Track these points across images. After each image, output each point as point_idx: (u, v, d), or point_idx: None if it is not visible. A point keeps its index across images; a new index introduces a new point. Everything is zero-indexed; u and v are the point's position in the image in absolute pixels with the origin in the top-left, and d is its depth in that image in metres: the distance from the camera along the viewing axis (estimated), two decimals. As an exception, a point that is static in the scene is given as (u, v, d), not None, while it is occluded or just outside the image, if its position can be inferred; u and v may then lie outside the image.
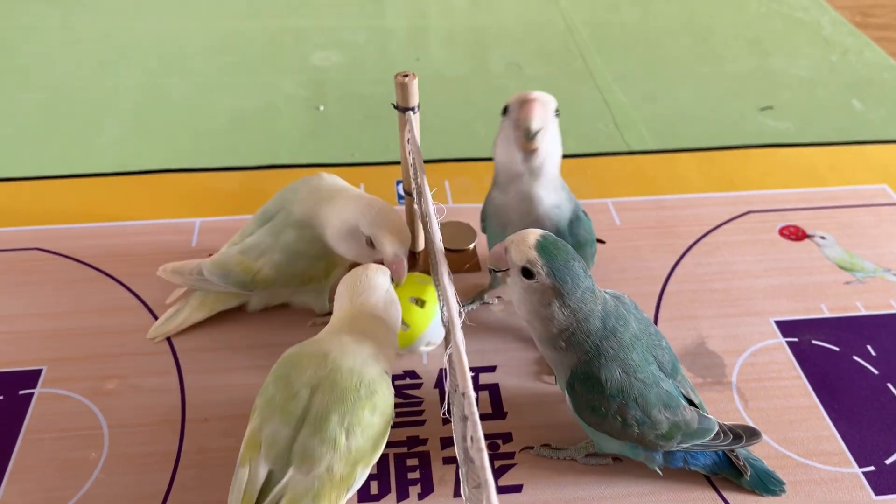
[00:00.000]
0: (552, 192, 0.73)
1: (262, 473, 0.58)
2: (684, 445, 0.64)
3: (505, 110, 0.71)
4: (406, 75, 0.75)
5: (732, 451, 0.67)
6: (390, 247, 0.72)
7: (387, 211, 0.75)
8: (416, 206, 0.85)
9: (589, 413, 0.63)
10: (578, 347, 0.62)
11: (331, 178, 0.82)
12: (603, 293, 0.63)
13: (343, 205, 0.76)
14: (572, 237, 0.75)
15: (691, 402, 0.65)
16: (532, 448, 0.71)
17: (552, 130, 0.71)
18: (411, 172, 0.81)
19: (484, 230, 0.81)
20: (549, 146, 0.70)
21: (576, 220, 0.75)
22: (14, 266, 0.89)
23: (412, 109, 0.77)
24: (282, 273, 0.79)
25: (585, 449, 0.69)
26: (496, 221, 0.77)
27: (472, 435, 0.49)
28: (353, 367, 0.60)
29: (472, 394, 0.51)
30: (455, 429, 0.63)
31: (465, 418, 0.54)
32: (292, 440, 0.58)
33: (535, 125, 0.67)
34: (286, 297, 0.83)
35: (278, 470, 0.58)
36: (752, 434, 0.66)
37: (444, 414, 0.61)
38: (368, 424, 0.59)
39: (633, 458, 0.67)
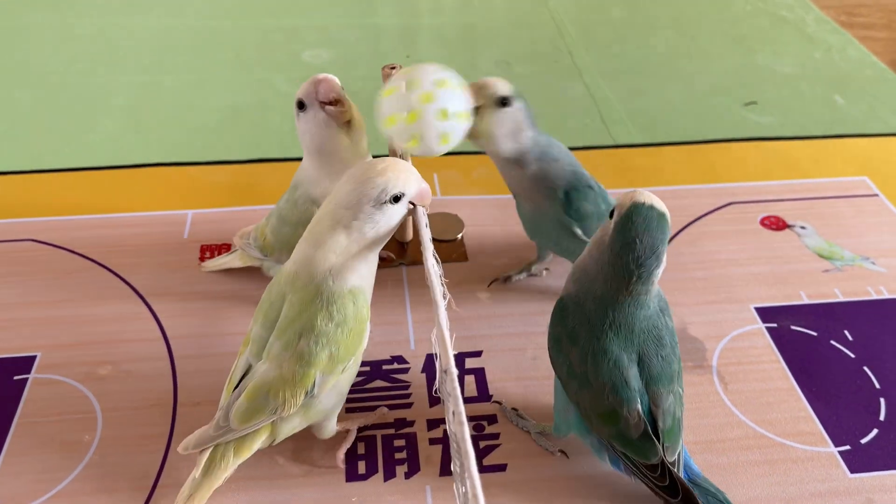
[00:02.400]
0: (525, 169, 0.78)
1: (243, 365, 0.65)
2: (617, 447, 0.63)
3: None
4: (393, 67, 0.77)
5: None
6: (311, 86, 0.74)
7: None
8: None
9: (550, 342, 0.66)
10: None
11: None
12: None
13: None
14: (569, 205, 0.78)
15: (654, 425, 0.62)
16: (501, 403, 0.75)
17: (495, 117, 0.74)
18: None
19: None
20: (490, 130, 0.75)
21: (573, 190, 0.78)
22: (8, 257, 0.91)
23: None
24: (276, 238, 0.81)
25: (542, 428, 0.71)
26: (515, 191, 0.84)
27: (454, 409, 0.51)
28: (315, 279, 0.62)
29: (455, 370, 0.53)
30: (446, 409, 0.65)
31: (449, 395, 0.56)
32: (265, 340, 0.64)
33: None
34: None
35: (255, 364, 0.64)
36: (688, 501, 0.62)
37: (435, 392, 0.63)
38: (322, 332, 0.61)
39: (582, 440, 0.67)
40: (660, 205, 0.59)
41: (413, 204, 0.65)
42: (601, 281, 0.61)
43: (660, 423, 0.62)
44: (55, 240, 0.93)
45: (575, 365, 0.63)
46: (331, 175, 0.75)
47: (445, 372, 0.53)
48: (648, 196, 0.59)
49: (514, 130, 0.75)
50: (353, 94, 1.25)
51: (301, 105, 0.75)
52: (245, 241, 0.85)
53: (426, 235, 0.63)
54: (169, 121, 1.17)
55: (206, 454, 0.64)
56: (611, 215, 0.61)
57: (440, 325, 0.55)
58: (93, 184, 1.03)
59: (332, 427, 0.69)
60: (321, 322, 0.61)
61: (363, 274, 0.64)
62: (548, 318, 0.67)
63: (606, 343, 0.61)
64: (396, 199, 0.62)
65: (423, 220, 0.63)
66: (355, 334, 0.63)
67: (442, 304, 0.57)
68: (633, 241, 0.58)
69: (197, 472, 0.64)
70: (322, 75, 0.74)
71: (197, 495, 0.63)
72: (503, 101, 0.74)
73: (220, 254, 0.90)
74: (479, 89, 0.73)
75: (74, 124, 1.16)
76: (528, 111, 0.76)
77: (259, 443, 0.65)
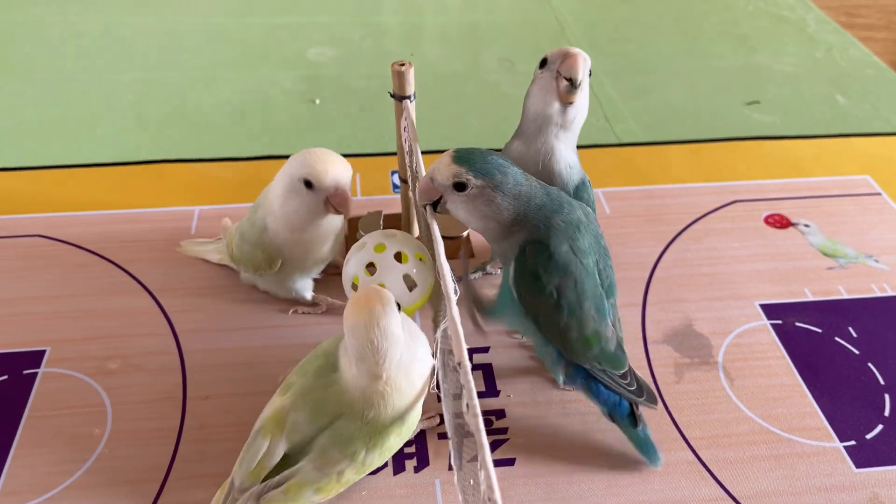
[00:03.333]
0: (570, 152, 0.75)
1: (279, 452, 0.61)
2: (597, 366, 0.67)
3: (543, 62, 0.72)
4: (402, 64, 0.77)
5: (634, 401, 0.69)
6: (329, 178, 0.72)
7: (316, 150, 0.73)
8: (411, 194, 0.87)
9: (529, 281, 0.64)
10: (530, 223, 0.64)
11: None
12: (536, 181, 0.66)
13: (280, 170, 0.76)
14: (577, 200, 0.76)
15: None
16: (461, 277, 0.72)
17: (585, 89, 0.72)
18: (407, 160, 0.84)
19: None
20: (582, 102, 0.73)
21: (582, 185, 0.77)
22: (17, 252, 0.91)
23: (408, 98, 0.79)
24: (239, 253, 0.81)
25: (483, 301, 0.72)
26: None
27: (468, 402, 0.52)
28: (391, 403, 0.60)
29: (468, 363, 0.53)
30: (445, 406, 0.65)
31: (457, 396, 0.56)
32: (314, 437, 0.60)
33: (579, 76, 0.69)
34: (257, 280, 0.84)
35: (293, 455, 0.61)
36: (651, 396, 0.69)
37: (433, 389, 0.63)
38: (390, 447, 0.61)
39: (542, 361, 0.70)
40: None
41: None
42: (521, 215, 0.64)
43: (619, 333, 0.68)
44: (63, 235, 0.93)
45: (565, 293, 0.64)
46: (291, 223, 0.76)
47: (459, 364, 0.53)
48: None
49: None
50: (356, 92, 1.26)
51: (308, 185, 0.73)
52: (225, 239, 0.86)
53: (437, 232, 0.63)
54: (175, 118, 1.18)
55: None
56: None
57: (453, 319, 0.55)
58: (100, 180, 1.03)
59: None
60: (393, 439, 0.61)
61: (404, 393, 0.60)
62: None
63: (582, 246, 0.65)
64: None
65: (434, 222, 0.64)
66: (386, 452, 0.62)
67: (453, 298, 0.58)
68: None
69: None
70: (341, 175, 0.72)
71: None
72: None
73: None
74: (584, 57, 0.70)
75: (81, 121, 1.16)
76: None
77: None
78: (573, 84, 0.69)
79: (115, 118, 1.17)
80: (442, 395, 0.65)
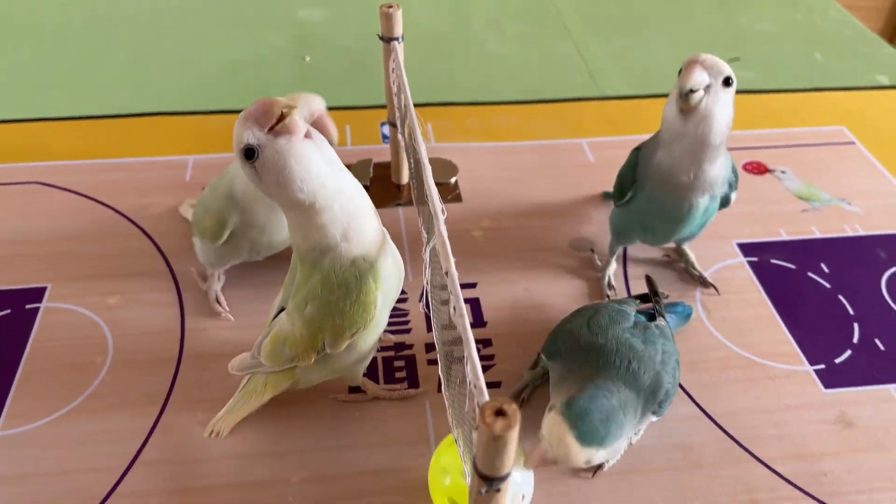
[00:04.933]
0: (721, 153, 0.74)
1: (278, 305, 0.66)
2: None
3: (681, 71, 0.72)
4: (391, 6, 0.80)
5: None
6: (303, 109, 0.72)
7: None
8: (399, 137, 0.90)
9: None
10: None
11: None
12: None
13: None
14: (736, 179, 0.78)
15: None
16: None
17: (720, 97, 0.70)
18: (395, 102, 0.86)
19: (615, 195, 0.82)
20: (712, 110, 0.70)
21: (734, 165, 0.78)
22: (15, 198, 0.93)
23: (396, 39, 0.81)
24: (194, 212, 0.80)
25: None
26: (656, 181, 0.76)
27: (455, 305, 0.55)
28: (312, 252, 0.61)
29: (455, 272, 0.56)
30: (437, 337, 0.68)
31: (444, 302, 0.59)
32: (289, 293, 0.64)
33: (689, 85, 0.69)
34: (195, 245, 0.80)
35: (283, 309, 0.65)
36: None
37: (421, 307, 0.66)
38: (324, 302, 0.60)
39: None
40: None
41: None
42: None
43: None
44: (60, 182, 0.96)
45: None
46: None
47: (447, 273, 0.56)
48: None
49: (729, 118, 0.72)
50: (346, 51, 1.28)
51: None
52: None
53: (423, 153, 0.66)
54: (168, 76, 1.20)
55: (245, 380, 0.69)
56: None
57: (440, 234, 0.58)
58: (95, 132, 1.05)
59: (359, 377, 0.70)
60: (324, 293, 0.60)
61: (364, 244, 0.61)
62: (540, 256, 0.70)
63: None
64: (249, 153, 0.56)
65: (422, 146, 0.66)
66: (361, 305, 0.61)
67: (441, 217, 0.61)
68: None
69: (236, 396, 0.68)
70: (313, 103, 0.74)
71: (230, 416, 0.68)
72: (728, 81, 0.70)
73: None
74: (709, 66, 0.69)
75: (76, 78, 1.18)
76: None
77: (286, 384, 0.67)
78: (681, 93, 0.70)
79: (109, 76, 1.19)
80: (433, 326, 0.68)
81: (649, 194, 0.77)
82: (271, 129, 0.55)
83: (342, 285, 0.60)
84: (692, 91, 0.69)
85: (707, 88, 0.70)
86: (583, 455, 0.58)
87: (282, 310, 0.66)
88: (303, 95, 0.80)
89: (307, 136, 0.56)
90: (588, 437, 0.58)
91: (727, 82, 0.70)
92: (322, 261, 0.60)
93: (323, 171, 0.57)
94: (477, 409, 0.44)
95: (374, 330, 0.64)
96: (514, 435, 0.42)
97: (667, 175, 0.75)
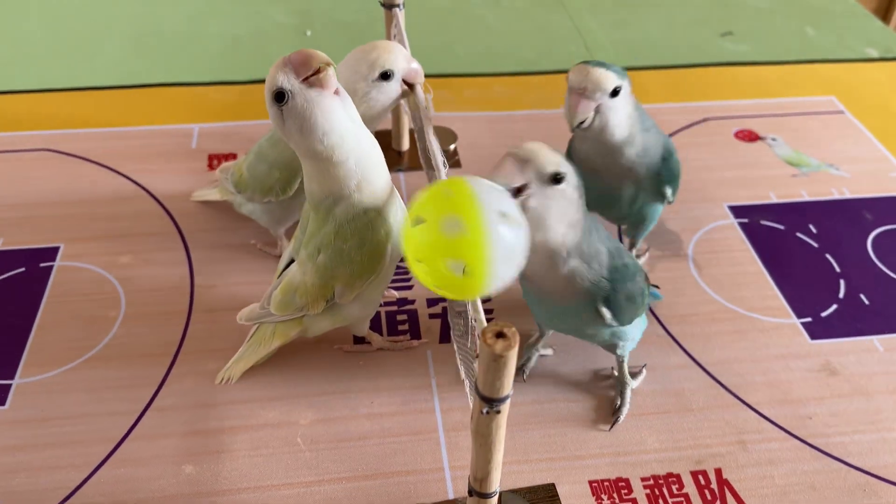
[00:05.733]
0: (630, 144, 0.73)
1: (287, 257, 0.69)
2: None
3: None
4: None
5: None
6: (403, 59, 0.72)
7: (367, 45, 0.74)
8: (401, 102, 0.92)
9: (628, 306, 0.64)
10: (598, 251, 0.62)
11: None
12: None
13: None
14: (667, 172, 0.75)
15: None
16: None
17: (613, 106, 0.69)
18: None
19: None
20: (608, 118, 0.70)
21: (668, 155, 0.76)
22: (26, 164, 0.96)
23: (398, 6, 0.84)
24: (250, 175, 0.79)
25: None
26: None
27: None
28: (327, 198, 0.63)
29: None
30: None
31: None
32: (300, 240, 0.66)
33: (575, 120, 0.69)
34: (254, 211, 0.82)
35: (294, 261, 0.68)
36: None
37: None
38: (337, 250, 0.63)
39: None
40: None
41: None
42: (590, 237, 0.62)
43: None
44: (69, 149, 0.98)
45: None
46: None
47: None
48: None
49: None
50: (348, 26, 1.31)
51: (386, 76, 0.72)
52: (224, 175, 0.84)
53: (423, 107, 0.68)
54: (171, 48, 1.22)
55: (254, 329, 0.72)
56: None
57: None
58: (101, 102, 1.08)
59: (365, 328, 0.73)
60: (337, 241, 0.63)
61: (376, 196, 0.62)
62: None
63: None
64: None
65: (422, 95, 0.69)
66: (372, 254, 0.63)
67: (443, 170, 0.64)
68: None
69: (245, 345, 0.71)
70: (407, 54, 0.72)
71: (240, 364, 0.71)
72: (615, 92, 0.68)
73: (227, 160, 0.96)
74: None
75: (81, 50, 1.20)
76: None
77: (295, 332, 0.70)
78: (570, 127, 0.70)
79: (116, 48, 1.21)
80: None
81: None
82: (306, 79, 0.57)
83: (355, 234, 0.63)
84: (581, 125, 0.69)
85: (597, 108, 0.69)
86: (555, 157, 0.57)
87: (291, 262, 0.68)
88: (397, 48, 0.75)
89: (336, 92, 0.59)
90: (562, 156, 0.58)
91: (614, 93, 0.68)
92: (335, 209, 0.62)
93: (345, 126, 0.60)
94: (478, 339, 0.47)
95: (382, 280, 0.67)
96: (513, 355, 0.45)
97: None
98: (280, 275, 0.69)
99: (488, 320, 0.77)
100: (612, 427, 0.69)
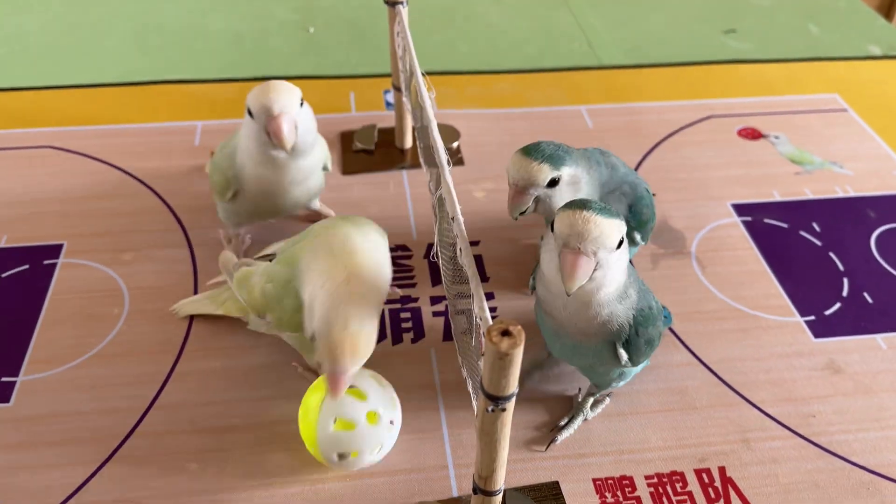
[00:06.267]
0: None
1: (273, 247, 0.73)
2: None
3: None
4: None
5: None
6: (259, 105, 0.71)
7: (270, 81, 0.73)
8: (404, 99, 0.92)
9: (646, 350, 0.63)
10: (630, 295, 0.61)
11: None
12: None
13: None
14: (635, 218, 0.72)
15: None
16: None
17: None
18: (400, 66, 0.89)
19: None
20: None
21: (638, 200, 0.73)
22: (29, 161, 0.96)
23: (401, 3, 0.84)
24: (211, 182, 0.80)
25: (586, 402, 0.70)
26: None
27: (462, 247, 0.57)
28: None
29: (461, 218, 0.59)
30: (447, 289, 0.70)
31: (452, 245, 0.62)
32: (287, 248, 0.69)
33: (513, 213, 0.69)
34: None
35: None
36: None
37: (433, 258, 0.69)
38: (275, 295, 0.66)
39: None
40: None
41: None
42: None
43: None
44: (72, 146, 0.98)
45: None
46: (250, 152, 0.75)
47: (453, 219, 0.59)
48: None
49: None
50: (350, 22, 1.30)
51: (249, 113, 0.73)
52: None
53: (429, 106, 0.68)
54: (174, 46, 1.22)
55: (218, 286, 0.76)
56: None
57: (446, 182, 0.61)
58: (104, 99, 1.08)
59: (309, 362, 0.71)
60: (279, 289, 0.65)
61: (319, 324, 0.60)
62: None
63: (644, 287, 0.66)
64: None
65: (426, 93, 0.69)
66: (289, 324, 0.65)
67: (447, 168, 0.64)
68: None
69: (206, 293, 0.77)
70: (274, 102, 0.71)
71: (191, 305, 0.77)
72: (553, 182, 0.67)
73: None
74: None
75: (84, 48, 1.20)
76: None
77: (236, 314, 0.73)
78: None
79: (118, 45, 1.21)
80: (443, 280, 0.70)
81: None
82: None
83: (289, 297, 0.64)
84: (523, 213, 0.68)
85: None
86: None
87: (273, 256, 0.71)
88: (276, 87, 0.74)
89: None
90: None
91: (552, 183, 0.66)
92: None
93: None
94: (483, 337, 0.47)
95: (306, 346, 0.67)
96: (518, 353, 0.45)
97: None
98: (259, 254, 0.73)
99: (491, 317, 0.77)
100: (547, 448, 0.66)
